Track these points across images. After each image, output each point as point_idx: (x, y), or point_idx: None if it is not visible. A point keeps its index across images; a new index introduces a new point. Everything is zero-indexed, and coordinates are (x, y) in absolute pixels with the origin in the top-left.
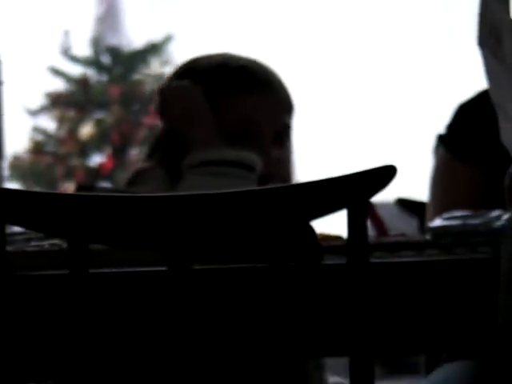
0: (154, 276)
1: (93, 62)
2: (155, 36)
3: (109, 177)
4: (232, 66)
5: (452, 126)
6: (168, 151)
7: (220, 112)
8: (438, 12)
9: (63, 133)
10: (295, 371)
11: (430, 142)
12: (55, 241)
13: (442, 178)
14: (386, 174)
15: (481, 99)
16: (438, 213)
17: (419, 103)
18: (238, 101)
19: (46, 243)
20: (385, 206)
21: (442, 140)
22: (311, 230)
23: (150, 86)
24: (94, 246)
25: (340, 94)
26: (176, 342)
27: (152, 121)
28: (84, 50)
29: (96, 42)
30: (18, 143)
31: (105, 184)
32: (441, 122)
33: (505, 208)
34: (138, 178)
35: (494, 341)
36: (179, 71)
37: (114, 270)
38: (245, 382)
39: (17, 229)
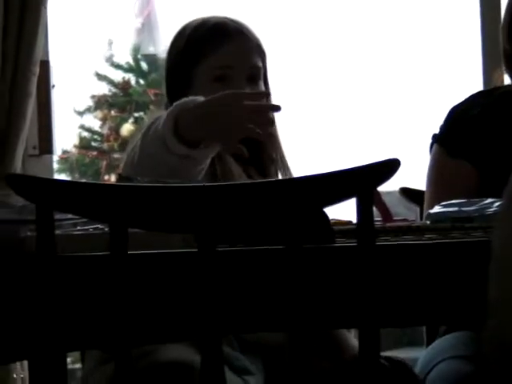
0: (185, 257)
1: (132, 68)
2: None
3: None
4: (207, 25)
5: (446, 126)
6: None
7: (205, 62)
8: (436, 11)
9: (106, 130)
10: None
11: (427, 141)
12: (98, 225)
13: (437, 172)
14: (391, 166)
15: (472, 102)
16: (435, 201)
17: (418, 106)
18: (213, 52)
19: (90, 227)
20: (390, 194)
21: (436, 138)
22: (325, 215)
23: None
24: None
25: (342, 90)
26: (204, 316)
27: None
28: (125, 57)
29: (135, 51)
30: (67, 140)
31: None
32: (436, 123)
33: (495, 196)
34: (147, 128)
35: (485, 314)
36: (175, 36)
37: (149, 252)
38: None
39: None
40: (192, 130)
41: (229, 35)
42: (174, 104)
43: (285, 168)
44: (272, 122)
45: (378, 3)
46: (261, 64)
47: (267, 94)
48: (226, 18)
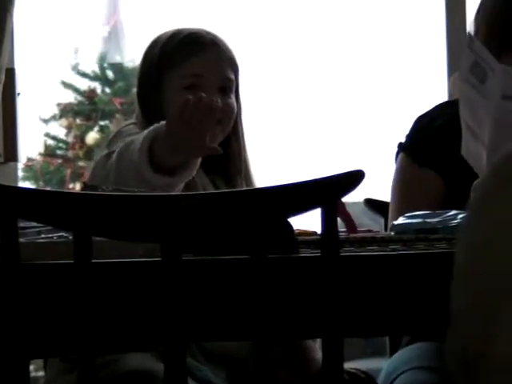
0: (150, 266)
1: (98, 77)
2: None
3: None
4: (183, 34)
5: (412, 135)
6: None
7: (176, 70)
8: (402, 21)
9: (72, 138)
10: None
11: (392, 152)
12: (63, 233)
13: (402, 180)
14: (355, 177)
15: (437, 112)
16: (400, 212)
17: (383, 115)
18: (186, 60)
19: (54, 235)
20: (354, 205)
21: (403, 147)
22: (289, 225)
23: None
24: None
25: (307, 99)
26: (168, 325)
27: None
28: (91, 65)
29: (102, 59)
30: (32, 148)
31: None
32: (400, 133)
33: (460, 208)
34: (116, 135)
35: (448, 325)
36: (149, 45)
37: (114, 260)
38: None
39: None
40: (167, 157)
41: (203, 45)
42: (147, 132)
43: (250, 178)
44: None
45: (338, 21)
46: (233, 77)
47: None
48: (201, 28)
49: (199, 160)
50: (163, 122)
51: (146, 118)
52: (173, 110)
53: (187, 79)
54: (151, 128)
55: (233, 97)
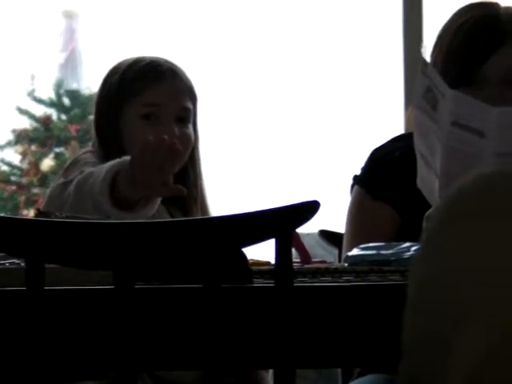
0: (103, 293)
1: (54, 104)
2: None
3: None
4: (142, 62)
5: (367, 168)
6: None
7: (134, 99)
8: (360, 51)
9: (26, 165)
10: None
11: (347, 183)
12: (15, 260)
13: (357, 214)
14: (310, 208)
15: (393, 145)
16: (354, 244)
17: (338, 147)
18: (145, 89)
19: (6, 262)
20: (309, 236)
21: (357, 180)
22: (243, 255)
23: None
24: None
25: (262, 129)
26: (120, 353)
27: None
28: (47, 92)
29: (58, 86)
30: None
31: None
32: (357, 163)
33: (414, 241)
34: (73, 163)
35: (398, 357)
36: (108, 72)
37: (66, 288)
38: None
39: None
40: (129, 193)
41: (162, 74)
42: (109, 166)
43: (206, 208)
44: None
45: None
46: (191, 106)
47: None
48: (160, 58)
49: (160, 198)
50: (126, 157)
51: (102, 146)
52: (131, 143)
53: (145, 108)
54: (115, 162)
55: (190, 126)
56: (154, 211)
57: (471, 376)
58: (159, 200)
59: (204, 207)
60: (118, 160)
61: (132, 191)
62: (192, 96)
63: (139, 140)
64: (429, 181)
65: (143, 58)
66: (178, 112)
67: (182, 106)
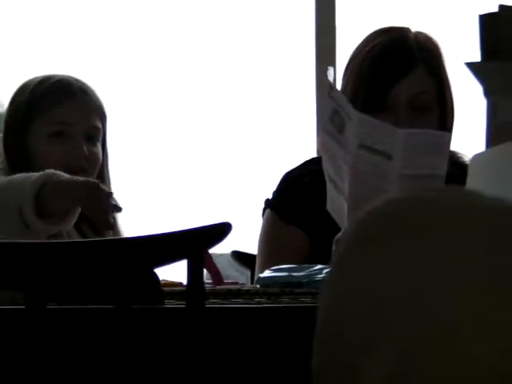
0: (13, 313)
1: None
2: None
3: None
4: (52, 80)
5: (278, 193)
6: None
7: (43, 116)
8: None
9: None
10: None
11: (260, 204)
12: None
13: (269, 236)
14: (222, 229)
15: (304, 169)
16: (266, 266)
17: (251, 170)
18: (54, 106)
19: None
20: (221, 257)
21: (269, 204)
22: (155, 276)
23: None
24: None
25: (174, 148)
26: (30, 375)
27: None
28: None
29: None
30: None
31: None
32: (269, 187)
33: (325, 263)
34: None
35: (308, 381)
36: (18, 89)
37: None
38: None
39: None
40: (54, 205)
41: (72, 92)
42: (35, 178)
43: (117, 228)
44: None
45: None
46: (100, 126)
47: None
48: (70, 76)
49: (78, 211)
50: (50, 171)
51: (10, 163)
52: (39, 161)
53: (54, 126)
54: (40, 174)
55: (99, 145)
56: (71, 226)
57: None
58: (77, 215)
59: (116, 228)
60: (41, 172)
61: (60, 205)
62: (102, 115)
63: (48, 158)
64: (338, 204)
65: (53, 75)
66: (87, 130)
67: (91, 125)
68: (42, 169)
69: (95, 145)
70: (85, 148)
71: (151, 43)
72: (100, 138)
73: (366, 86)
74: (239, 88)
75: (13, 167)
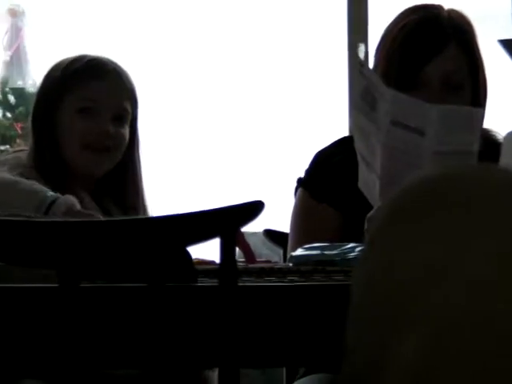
0: (47, 292)
1: (0, 101)
2: None
3: None
4: (86, 58)
5: (310, 171)
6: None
7: (74, 93)
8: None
9: None
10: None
11: (293, 182)
12: None
13: (301, 215)
14: (255, 207)
15: (336, 148)
16: (298, 244)
17: (283, 148)
18: (85, 83)
19: None
20: (254, 235)
21: (301, 183)
22: (188, 254)
23: None
24: None
25: (207, 125)
26: (64, 352)
27: None
28: None
29: (3, 84)
30: None
31: None
32: (301, 165)
33: (358, 242)
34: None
35: (342, 356)
36: (52, 67)
37: (10, 286)
38: None
39: None
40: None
41: (104, 71)
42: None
43: (145, 209)
44: None
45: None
46: (129, 108)
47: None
48: (105, 57)
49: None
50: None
51: (36, 139)
52: (65, 136)
53: (82, 103)
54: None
55: (126, 127)
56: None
57: (412, 373)
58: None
59: (143, 209)
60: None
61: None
62: (132, 98)
63: (72, 133)
64: (370, 182)
65: (87, 55)
66: (116, 110)
67: (120, 106)
68: (65, 144)
69: (123, 126)
70: (110, 127)
71: (180, 31)
72: (128, 121)
73: (398, 64)
74: (272, 66)
75: (38, 142)
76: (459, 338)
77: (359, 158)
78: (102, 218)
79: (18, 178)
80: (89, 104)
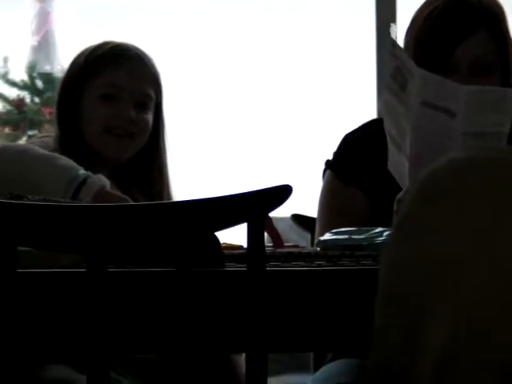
0: (75, 276)
1: (28, 86)
2: None
3: None
4: (110, 45)
5: (339, 153)
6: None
7: (98, 79)
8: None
9: None
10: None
11: (320, 168)
12: None
13: (328, 198)
14: (283, 192)
15: (364, 130)
16: (326, 228)
17: (311, 132)
18: (108, 69)
19: None
20: (282, 220)
21: (329, 165)
22: (216, 239)
23: None
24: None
25: (234, 113)
26: (92, 337)
27: None
28: (20, 74)
29: (31, 68)
30: None
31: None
32: (329, 149)
33: (386, 225)
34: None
35: (371, 342)
36: (78, 53)
37: (39, 270)
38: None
39: None
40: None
41: (128, 58)
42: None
43: (170, 197)
44: None
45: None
46: (153, 94)
47: None
48: (129, 43)
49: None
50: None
51: (60, 124)
52: (88, 122)
53: (105, 88)
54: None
55: (150, 113)
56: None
57: (440, 357)
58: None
59: (168, 197)
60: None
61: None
62: (156, 84)
63: (94, 118)
64: (399, 163)
65: (111, 41)
66: (139, 96)
67: (143, 92)
68: (88, 130)
69: (146, 112)
70: (133, 113)
71: (212, 21)
72: (152, 107)
73: (428, 48)
74: (301, 49)
75: (63, 128)
76: (491, 324)
77: (389, 139)
78: (131, 202)
79: (54, 154)
80: (111, 90)
